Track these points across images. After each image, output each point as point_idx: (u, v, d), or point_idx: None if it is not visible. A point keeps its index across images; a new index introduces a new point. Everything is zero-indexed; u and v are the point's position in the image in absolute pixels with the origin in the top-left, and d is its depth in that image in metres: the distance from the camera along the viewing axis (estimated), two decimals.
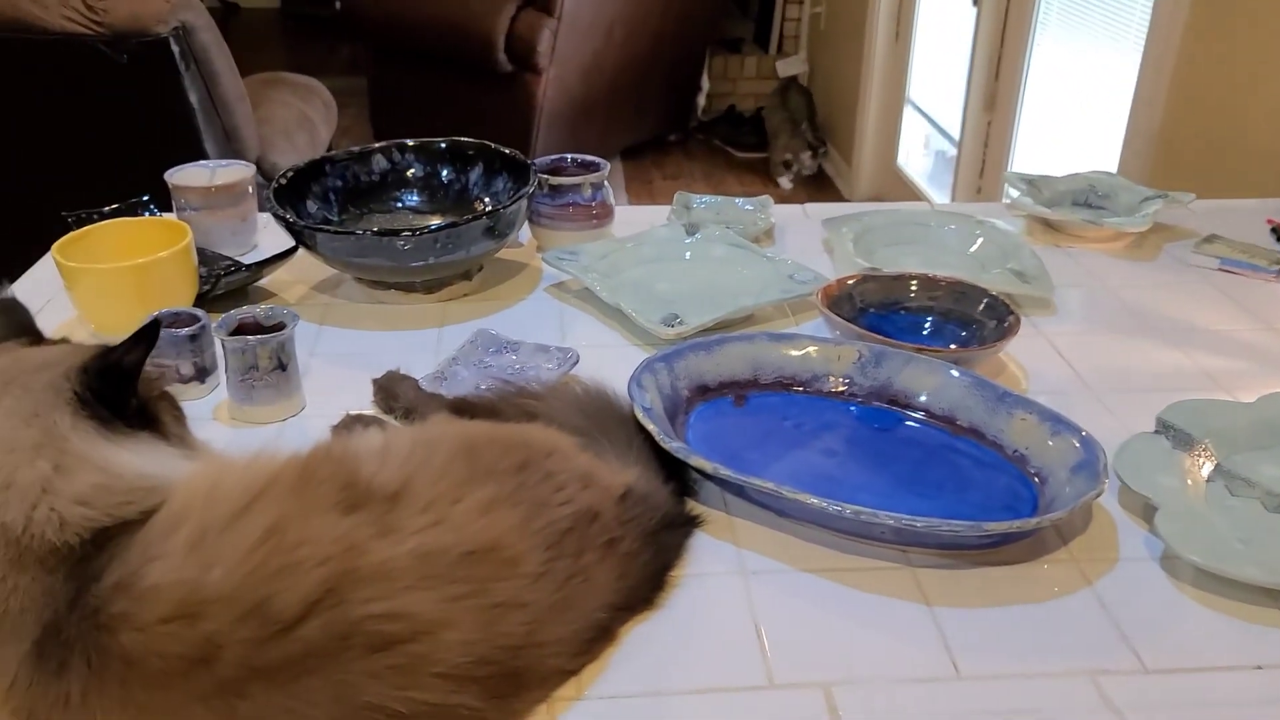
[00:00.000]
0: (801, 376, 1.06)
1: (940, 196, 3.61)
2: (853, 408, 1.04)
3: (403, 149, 1.41)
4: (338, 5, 4.73)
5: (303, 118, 2.91)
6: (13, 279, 1.31)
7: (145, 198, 1.38)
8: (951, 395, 1.01)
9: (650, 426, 0.91)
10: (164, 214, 1.38)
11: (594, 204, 1.38)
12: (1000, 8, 3.07)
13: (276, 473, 0.70)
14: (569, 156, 1.42)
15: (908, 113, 3.87)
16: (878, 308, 1.21)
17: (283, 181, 1.30)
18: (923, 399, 1.02)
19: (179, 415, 0.82)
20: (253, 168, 1.43)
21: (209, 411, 1.05)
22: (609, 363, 1.08)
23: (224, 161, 1.44)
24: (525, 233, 1.43)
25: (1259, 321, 1.26)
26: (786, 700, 0.73)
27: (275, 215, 1.23)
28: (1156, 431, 0.98)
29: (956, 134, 3.35)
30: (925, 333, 1.20)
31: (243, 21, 6.94)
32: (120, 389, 0.74)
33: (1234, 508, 0.91)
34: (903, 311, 1.21)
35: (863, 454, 0.97)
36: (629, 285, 1.27)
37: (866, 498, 0.90)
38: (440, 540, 0.68)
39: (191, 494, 0.68)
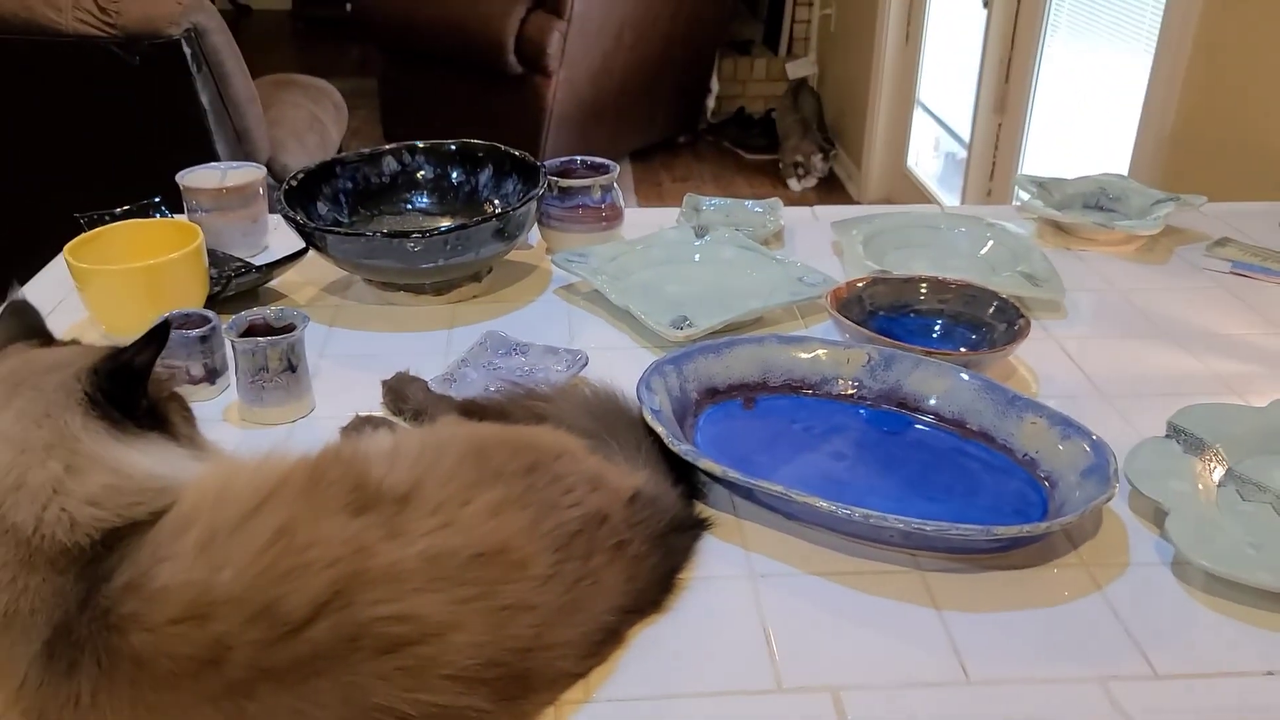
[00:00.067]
0: (811, 379, 1.06)
1: (950, 199, 3.61)
2: (862, 411, 1.03)
3: (413, 151, 1.41)
4: (349, 7, 4.74)
5: (313, 119, 2.92)
6: (25, 280, 1.32)
7: (156, 199, 1.38)
8: (961, 399, 1.01)
9: (659, 429, 0.91)
10: (175, 215, 1.38)
11: (603, 206, 1.38)
12: (1011, 9, 3.07)
13: (286, 474, 0.70)
14: (578, 158, 1.43)
15: (918, 115, 3.86)
16: (887, 310, 1.21)
17: (293, 183, 1.30)
18: (932, 402, 1.02)
19: (189, 416, 0.82)
20: (263, 169, 1.43)
21: (219, 412, 1.06)
22: (618, 365, 1.08)
23: (235, 163, 1.44)
24: (534, 235, 1.43)
25: (1271, 325, 1.26)
26: (795, 704, 0.73)
27: (286, 217, 1.24)
28: (1167, 436, 0.97)
29: (967, 136, 3.34)
30: (935, 336, 1.19)
31: (254, 23, 6.96)
32: (131, 390, 0.74)
33: (1245, 513, 0.90)
34: (912, 314, 1.21)
35: (872, 457, 0.97)
36: (638, 287, 1.27)
37: (876, 501, 0.89)
38: (449, 542, 0.68)
39: (201, 495, 0.68)
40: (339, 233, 1.21)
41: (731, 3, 4.63)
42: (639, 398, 0.95)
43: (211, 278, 1.22)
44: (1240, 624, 0.80)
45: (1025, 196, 1.55)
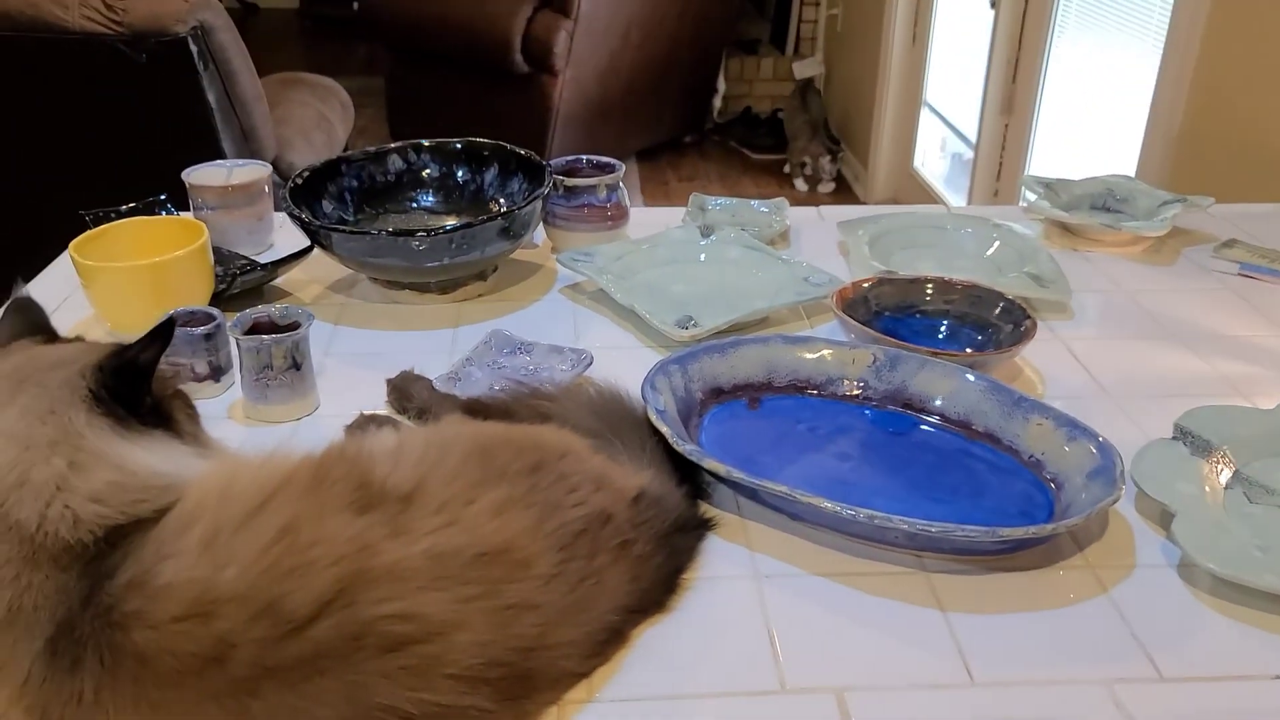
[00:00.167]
0: (816, 380, 1.05)
1: (957, 199, 3.60)
2: (867, 411, 1.03)
3: (418, 149, 1.41)
4: (356, 6, 4.75)
5: (320, 118, 2.92)
6: (30, 277, 1.32)
7: (162, 196, 1.39)
8: (967, 399, 1.00)
9: (664, 429, 0.91)
10: (181, 213, 1.38)
11: (609, 205, 1.38)
12: (1018, 10, 3.06)
13: (290, 472, 0.70)
14: (584, 157, 1.42)
15: (924, 115, 3.86)
16: (893, 311, 1.20)
17: (299, 181, 1.30)
18: (938, 403, 1.02)
19: (193, 414, 0.82)
20: (269, 167, 1.43)
21: (224, 410, 1.06)
22: (623, 364, 1.08)
23: (241, 161, 1.44)
24: (540, 234, 1.43)
25: (1278, 327, 1.25)
26: (799, 705, 0.72)
27: (291, 215, 1.24)
28: (1174, 437, 0.97)
29: (973, 137, 3.34)
30: (941, 336, 1.19)
31: (261, 21, 6.97)
32: (135, 387, 0.74)
33: (1252, 515, 0.90)
34: (918, 315, 1.21)
35: (877, 458, 0.97)
36: (643, 287, 1.27)
37: (881, 502, 0.89)
38: (453, 541, 0.68)
39: (205, 493, 0.68)
40: (344, 231, 1.21)
41: (738, 2, 4.63)
42: (644, 397, 0.95)
43: (217, 275, 1.22)
44: (1247, 627, 0.80)
45: (1032, 197, 1.54)
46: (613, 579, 0.74)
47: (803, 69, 4.72)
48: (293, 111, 2.82)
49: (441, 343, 1.19)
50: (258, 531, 0.65)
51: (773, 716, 0.72)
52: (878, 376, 1.04)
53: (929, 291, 1.21)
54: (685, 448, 0.89)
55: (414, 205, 1.41)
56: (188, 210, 1.40)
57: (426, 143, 1.41)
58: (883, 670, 0.75)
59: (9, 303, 0.86)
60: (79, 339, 0.83)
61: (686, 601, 0.81)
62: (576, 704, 0.72)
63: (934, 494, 0.92)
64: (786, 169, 4.42)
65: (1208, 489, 0.91)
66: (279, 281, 1.32)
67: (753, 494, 0.91)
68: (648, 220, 1.46)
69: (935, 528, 0.80)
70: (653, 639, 0.77)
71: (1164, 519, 0.89)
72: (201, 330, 1.05)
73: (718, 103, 4.84)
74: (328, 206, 1.34)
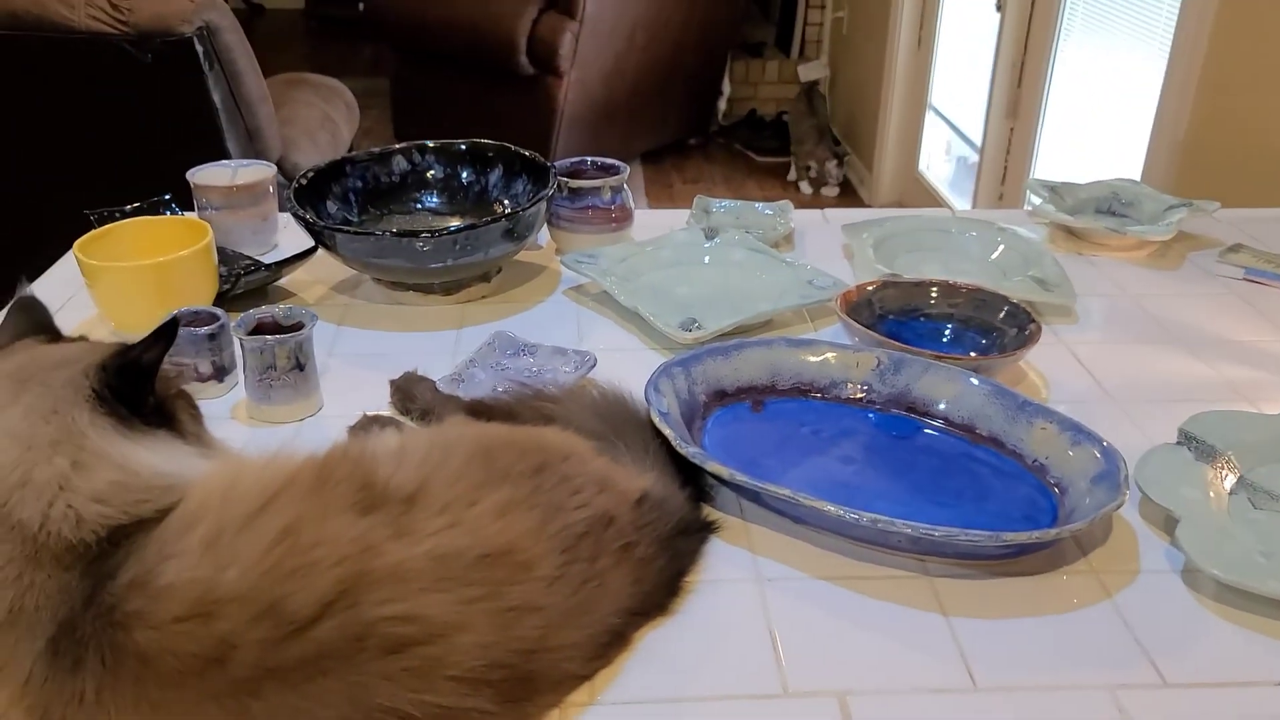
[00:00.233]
0: (820, 383, 1.05)
1: (962, 203, 3.60)
2: (871, 415, 1.03)
3: (423, 150, 1.41)
4: (361, 7, 4.75)
5: (325, 118, 2.92)
6: (34, 276, 1.32)
7: (167, 196, 1.39)
8: (971, 403, 1.00)
9: (667, 431, 0.91)
10: (185, 213, 1.38)
11: (613, 207, 1.38)
12: (1024, 13, 3.06)
13: (293, 473, 0.70)
14: (589, 159, 1.43)
15: (929, 118, 3.85)
16: (897, 314, 1.20)
17: (303, 182, 1.30)
18: (942, 407, 1.02)
19: (196, 414, 0.82)
20: (274, 168, 1.43)
21: (227, 410, 1.06)
22: (626, 366, 1.08)
23: (245, 161, 1.45)
24: (544, 235, 1.43)
25: None
26: (801, 709, 0.72)
27: (295, 215, 1.24)
28: (1179, 443, 0.97)
29: (978, 140, 3.34)
30: (945, 340, 1.19)
31: (267, 22, 6.98)
32: (138, 387, 0.74)
33: (1257, 521, 0.89)
34: (922, 318, 1.20)
35: (880, 462, 0.97)
36: (647, 289, 1.27)
37: (884, 506, 0.89)
38: (456, 543, 0.68)
39: (208, 493, 0.68)
40: (348, 232, 1.21)
41: (744, 5, 4.63)
42: (647, 399, 0.95)
43: (221, 275, 1.22)
44: (1251, 633, 0.80)
45: (1037, 201, 1.54)
46: (615, 581, 0.74)
47: (808, 72, 4.72)
48: (298, 112, 2.83)
49: (445, 344, 1.19)
50: (260, 532, 0.65)
51: None
52: (881, 380, 1.04)
53: (933, 295, 1.21)
54: (688, 450, 0.89)
55: (418, 206, 1.41)
56: (192, 210, 1.40)
57: (431, 144, 1.41)
58: (885, 674, 0.75)
59: (13, 302, 0.86)
60: (82, 338, 0.83)
61: (689, 604, 0.81)
62: (578, 706, 0.71)
63: (937, 498, 0.92)
64: (792, 173, 4.41)
65: (1212, 494, 0.91)
66: (283, 282, 1.32)
67: (755, 497, 0.91)
68: (652, 222, 1.46)
69: (939, 532, 0.80)
70: (655, 642, 0.77)
71: (1168, 524, 0.89)
72: (205, 330, 1.05)
73: (722, 105, 4.84)
74: (332, 207, 1.34)
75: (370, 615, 0.63)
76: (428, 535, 0.68)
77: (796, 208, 1.52)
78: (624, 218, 1.39)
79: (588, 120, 4.08)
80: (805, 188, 4.31)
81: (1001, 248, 1.41)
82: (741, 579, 0.84)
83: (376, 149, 1.40)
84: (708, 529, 0.88)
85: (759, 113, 4.86)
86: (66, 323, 1.13)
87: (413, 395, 1.03)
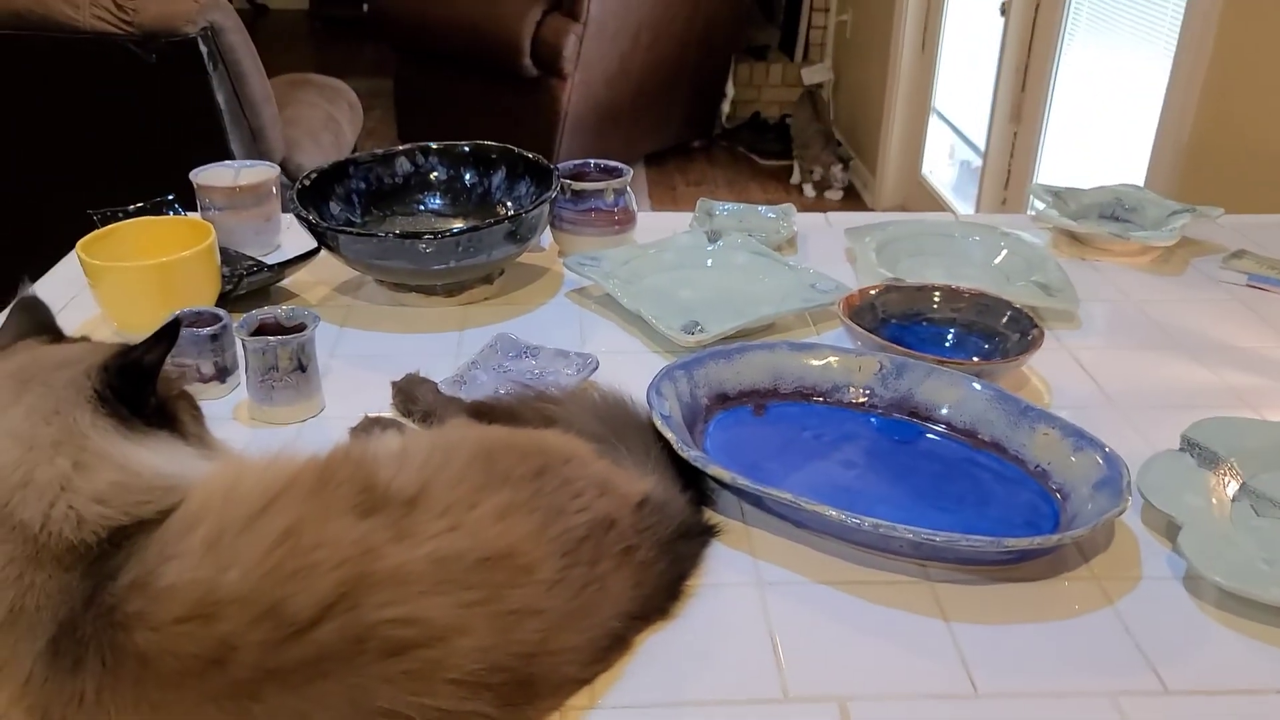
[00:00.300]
0: (822, 387, 1.05)
1: (965, 207, 3.60)
2: (873, 419, 1.03)
3: (426, 152, 1.41)
4: (365, 7, 4.76)
5: (328, 119, 2.93)
6: (36, 276, 1.32)
7: (170, 196, 1.39)
8: (973, 408, 1.00)
9: (668, 434, 0.91)
10: (188, 213, 1.38)
11: (616, 210, 1.38)
12: (1028, 17, 3.06)
13: (295, 474, 0.70)
14: (592, 161, 1.42)
15: (933, 122, 3.85)
16: (900, 318, 1.20)
17: (306, 183, 1.30)
18: (944, 412, 1.01)
19: (197, 415, 0.82)
20: (277, 168, 1.43)
21: (229, 411, 1.06)
22: (628, 369, 1.08)
23: (248, 162, 1.45)
24: (547, 237, 1.43)
25: None
26: (802, 714, 0.72)
27: (298, 216, 1.24)
28: (1181, 449, 0.97)
29: (982, 144, 3.34)
30: (948, 345, 1.19)
31: (271, 22, 6.99)
32: (140, 388, 0.74)
33: (1259, 528, 0.89)
34: (925, 323, 1.20)
35: (882, 466, 0.97)
36: (650, 292, 1.27)
37: (885, 510, 0.89)
38: (456, 545, 0.68)
39: (209, 494, 0.68)
40: (351, 233, 1.21)
41: (748, 7, 4.63)
42: (649, 403, 0.95)
43: (223, 276, 1.22)
44: (1252, 640, 0.79)
45: (1040, 206, 1.54)
46: (616, 585, 0.74)
47: (811, 75, 4.73)
48: (301, 112, 2.83)
49: (447, 346, 1.19)
50: (261, 534, 0.65)
51: None
52: (884, 384, 1.04)
53: (936, 299, 1.21)
54: (690, 454, 0.89)
55: (421, 208, 1.42)
56: (195, 210, 1.40)
57: (434, 145, 1.41)
58: (886, 680, 0.75)
59: (15, 302, 0.86)
60: (85, 339, 0.83)
61: (689, 608, 0.81)
62: (578, 710, 0.71)
63: (939, 503, 0.92)
64: (795, 176, 4.41)
65: (1214, 501, 0.91)
66: (285, 283, 1.32)
67: (757, 501, 0.90)
68: (655, 225, 1.46)
69: (940, 537, 0.80)
70: (655, 645, 0.77)
71: (1170, 531, 0.89)
72: (207, 331, 1.05)
73: (726, 108, 4.84)
74: (335, 208, 1.35)
75: (370, 618, 0.63)
76: (428, 538, 0.68)
77: (799, 211, 1.52)
78: (627, 220, 1.39)
79: (591, 122, 4.08)
80: (809, 191, 4.31)
81: (1004, 252, 1.40)
82: (742, 583, 0.84)
83: (380, 150, 1.40)
84: (709, 533, 0.88)
85: (762, 115, 4.86)
86: (69, 322, 1.13)
87: (414, 397, 1.03)
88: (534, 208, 1.23)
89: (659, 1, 4.08)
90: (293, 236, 1.44)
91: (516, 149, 1.40)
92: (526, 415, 0.95)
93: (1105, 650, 0.78)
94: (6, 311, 0.85)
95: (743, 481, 0.86)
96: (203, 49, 2.25)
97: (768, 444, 0.99)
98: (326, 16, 6.92)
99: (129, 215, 1.31)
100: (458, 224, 1.38)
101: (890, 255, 1.39)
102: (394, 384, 1.06)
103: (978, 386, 1.01)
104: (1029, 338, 1.13)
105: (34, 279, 1.29)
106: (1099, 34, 2.78)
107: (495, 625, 0.66)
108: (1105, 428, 1.03)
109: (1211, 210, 1.49)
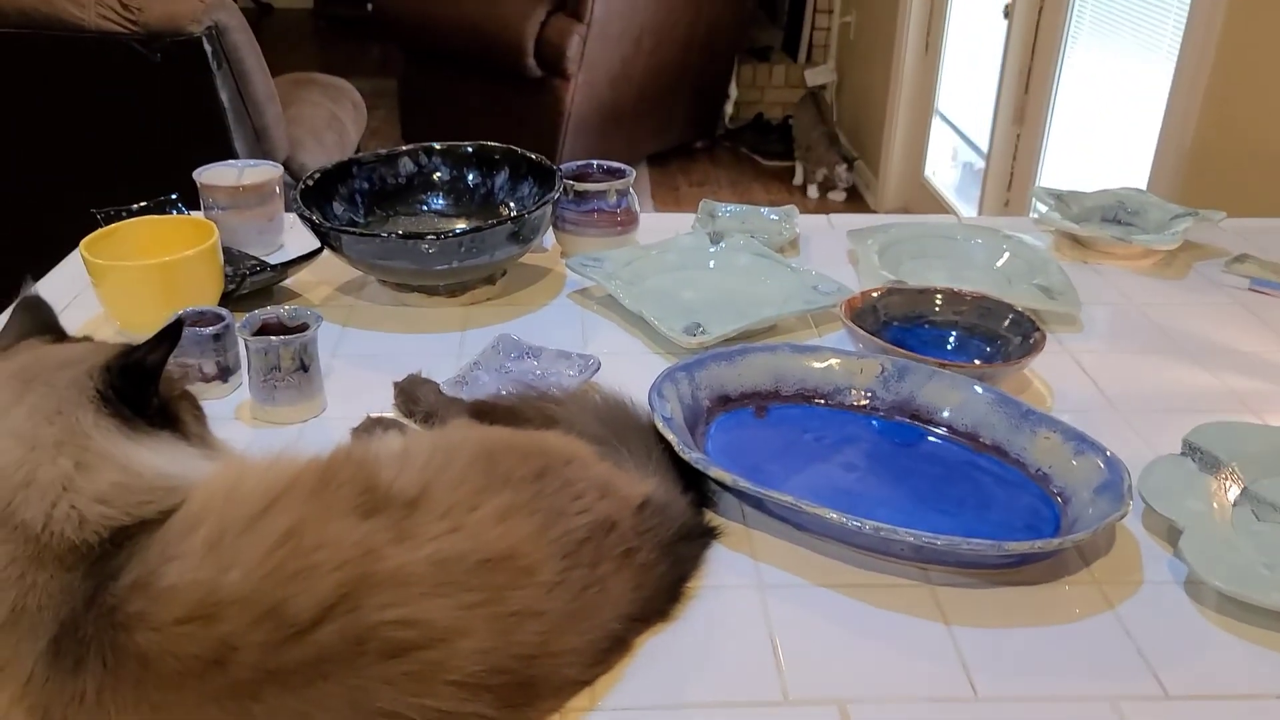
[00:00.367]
0: (823, 389, 1.05)
1: (967, 210, 3.60)
2: (874, 422, 1.03)
3: (429, 152, 1.42)
4: (369, 7, 4.76)
5: (332, 119, 2.93)
6: (40, 275, 1.32)
7: (173, 196, 1.39)
8: (974, 412, 1.00)
9: (670, 436, 0.91)
10: (191, 212, 1.38)
11: (619, 211, 1.38)
12: (1031, 20, 3.06)
13: (296, 475, 0.70)
14: (595, 162, 1.43)
15: (936, 124, 3.85)
16: (902, 321, 1.20)
17: (310, 183, 1.31)
18: (945, 415, 1.01)
19: (200, 415, 0.82)
20: (280, 168, 1.43)
21: (231, 411, 1.06)
22: (630, 370, 1.08)
23: (252, 161, 1.45)
24: (549, 238, 1.43)
25: None
26: (802, 716, 0.72)
27: (301, 216, 1.24)
28: (1182, 453, 0.97)
29: (985, 147, 3.33)
30: (949, 348, 1.19)
31: (275, 21, 6.99)
32: (142, 388, 0.74)
33: (1260, 533, 0.89)
34: (927, 325, 1.20)
35: (884, 469, 0.97)
36: (652, 293, 1.27)
37: (886, 513, 0.89)
38: (457, 547, 0.68)
39: (211, 494, 0.68)
40: (354, 233, 1.21)
41: (751, 8, 4.63)
42: (650, 404, 0.95)
43: (226, 275, 1.22)
44: (1253, 645, 0.79)
45: (1043, 209, 1.54)
46: (616, 587, 0.74)
47: (815, 76, 4.72)
48: (305, 112, 2.83)
49: (449, 346, 1.19)
50: (263, 534, 0.65)
51: None
52: (885, 387, 1.04)
53: (938, 302, 1.21)
54: (691, 456, 0.89)
55: (424, 208, 1.42)
56: (198, 210, 1.41)
57: (438, 146, 1.42)
58: (886, 683, 0.75)
59: (18, 301, 0.86)
60: (87, 338, 0.84)
61: (690, 610, 0.81)
62: (579, 712, 0.71)
63: (940, 506, 0.92)
64: (797, 177, 4.41)
65: (1215, 506, 0.91)
66: (288, 282, 1.32)
67: (758, 503, 0.90)
68: (657, 226, 1.46)
69: (941, 540, 0.80)
70: (656, 647, 0.77)
71: (1171, 535, 0.89)
72: (210, 331, 1.05)
73: (729, 109, 4.84)
74: (338, 208, 1.35)
75: (371, 619, 0.63)
76: (429, 540, 0.68)
77: (802, 212, 1.52)
78: (629, 221, 1.39)
79: (594, 123, 4.08)
80: (812, 192, 4.31)
81: (1007, 255, 1.40)
82: (743, 585, 0.84)
83: (383, 150, 1.40)
84: (710, 535, 0.88)
85: (765, 117, 4.86)
86: (72, 321, 1.13)
87: (416, 397, 1.03)
88: (537, 208, 1.23)
89: (663, 2, 4.08)
90: (296, 236, 1.45)
91: (519, 150, 1.40)
92: (528, 416, 0.95)
93: (1106, 654, 0.78)
94: (9, 311, 0.85)
95: (744, 484, 0.86)
96: (207, 48, 2.26)
97: (769, 446, 0.99)
98: (331, 16, 6.92)
99: (132, 214, 1.31)
100: (460, 224, 1.38)
101: (892, 257, 1.39)
102: (396, 384, 1.06)
103: (979, 390, 1.01)
104: (1031, 341, 1.13)
105: (37, 278, 1.29)
106: (1102, 37, 2.78)
107: (496, 627, 0.66)
108: (1107, 431, 1.03)
109: (1214, 214, 1.49)
